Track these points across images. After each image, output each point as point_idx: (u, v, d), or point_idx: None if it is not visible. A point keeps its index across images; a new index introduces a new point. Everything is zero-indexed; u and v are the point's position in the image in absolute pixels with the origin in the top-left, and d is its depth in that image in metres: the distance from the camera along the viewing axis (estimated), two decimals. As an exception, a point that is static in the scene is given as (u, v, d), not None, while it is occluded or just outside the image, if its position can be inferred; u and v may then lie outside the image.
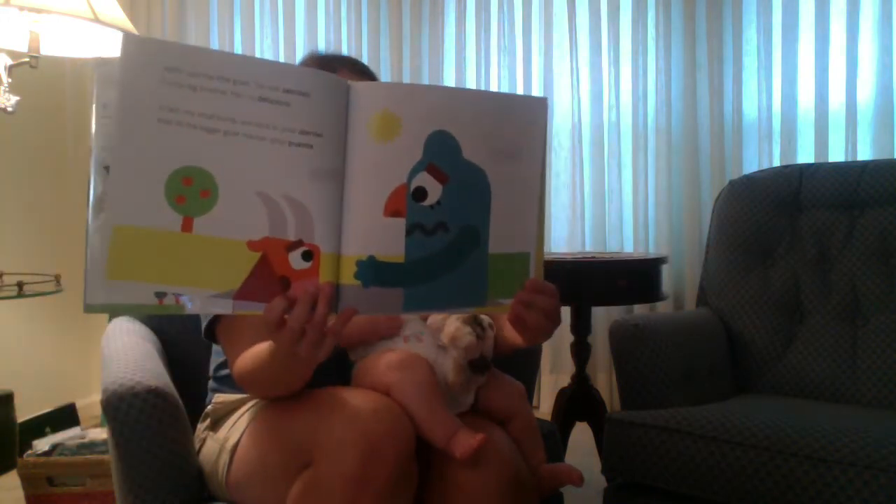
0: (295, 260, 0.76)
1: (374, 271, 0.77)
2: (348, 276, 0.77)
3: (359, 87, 0.77)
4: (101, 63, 0.71)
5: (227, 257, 0.73)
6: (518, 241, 0.86)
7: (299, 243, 0.75)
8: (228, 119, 0.72)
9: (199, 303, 0.73)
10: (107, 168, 0.70)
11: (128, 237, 0.70)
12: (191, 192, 0.72)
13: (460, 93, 0.83)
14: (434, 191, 0.79)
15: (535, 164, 0.86)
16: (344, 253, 0.77)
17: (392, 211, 0.77)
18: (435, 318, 1.06)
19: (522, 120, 0.85)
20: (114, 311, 0.71)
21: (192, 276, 0.72)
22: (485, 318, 1.03)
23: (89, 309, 0.70)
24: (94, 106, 0.71)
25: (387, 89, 0.81)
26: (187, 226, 0.72)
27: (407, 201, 0.78)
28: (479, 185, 0.82)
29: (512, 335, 1.00)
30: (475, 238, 0.83)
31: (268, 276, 0.75)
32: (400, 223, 0.78)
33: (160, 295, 0.72)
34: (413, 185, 0.78)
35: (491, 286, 0.85)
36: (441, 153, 0.79)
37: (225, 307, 0.74)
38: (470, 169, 0.81)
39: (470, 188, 0.82)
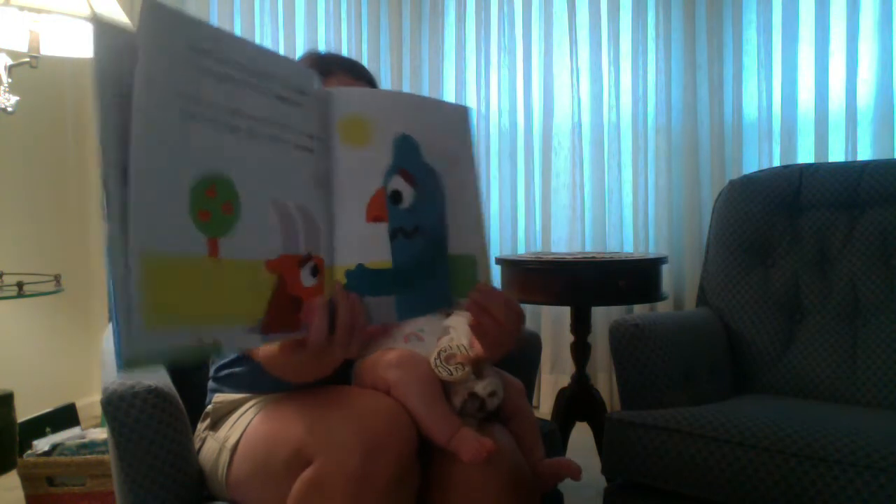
0: (305, 277, 0.71)
1: (363, 280, 0.76)
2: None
3: (332, 91, 0.75)
4: (106, 33, 0.56)
5: (250, 283, 0.65)
6: (465, 244, 0.86)
7: (308, 258, 0.72)
8: (251, 117, 0.64)
9: (234, 341, 0.64)
10: (124, 171, 0.56)
11: (161, 271, 0.57)
12: (214, 205, 0.61)
13: (408, 96, 0.82)
14: (408, 193, 0.78)
15: (470, 169, 0.86)
16: (334, 263, 0.75)
17: (374, 216, 0.76)
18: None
19: (455, 126, 0.85)
20: (154, 363, 0.60)
21: (222, 311, 0.62)
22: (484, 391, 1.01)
23: (129, 365, 0.56)
24: (98, 88, 0.55)
25: (352, 94, 0.79)
26: (213, 249, 0.61)
27: (387, 205, 0.76)
28: (439, 188, 0.82)
29: (477, 347, 1.00)
30: (443, 239, 0.82)
31: (286, 301, 0.69)
32: (383, 228, 0.76)
33: (197, 338, 0.61)
34: (389, 189, 0.76)
35: (451, 287, 0.84)
36: (408, 156, 0.78)
37: (256, 342, 0.67)
38: (430, 172, 0.81)
39: (433, 191, 0.81)
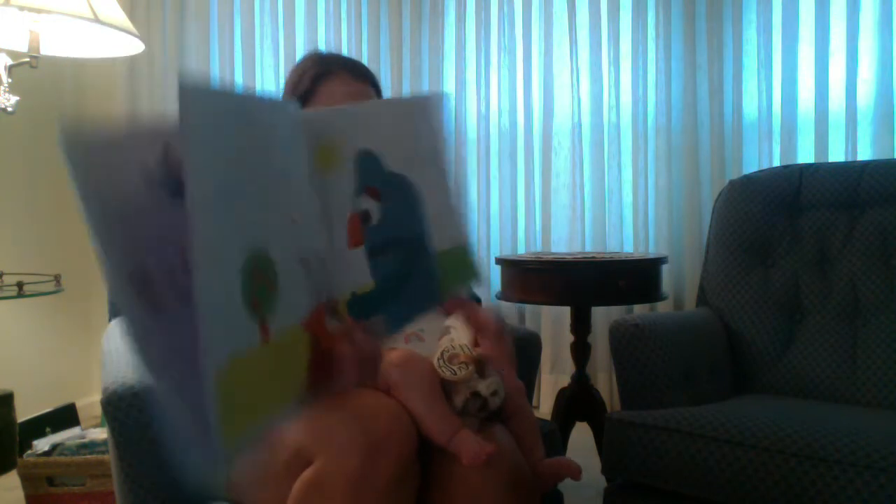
0: (330, 324, 0.68)
1: (357, 308, 0.75)
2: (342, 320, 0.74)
3: (304, 117, 0.72)
4: (71, 135, 0.49)
5: (293, 351, 0.60)
6: (451, 237, 0.86)
7: (329, 304, 0.68)
8: (268, 174, 0.59)
9: (291, 415, 0.60)
10: (138, 285, 0.48)
11: (232, 381, 0.49)
12: (260, 286, 0.55)
13: (366, 106, 0.82)
14: (375, 210, 0.77)
15: (444, 158, 0.86)
16: (338, 298, 0.74)
17: (354, 242, 0.74)
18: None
19: (425, 118, 0.84)
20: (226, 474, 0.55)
21: (279, 393, 0.57)
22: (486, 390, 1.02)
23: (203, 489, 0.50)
24: (88, 199, 0.49)
25: (318, 117, 0.75)
26: (265, 333, 0.55)
27: (361, 228, 0.75)
28: (407, 192, 0.81)
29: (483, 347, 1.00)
30: (420, 242, 0.82)
31: (321, 356, 0.65)
32: (361, 252, 0.75)
33: (263, 432, 0.54)
34: (360, 210, 0.75)
35: (442, 283, 0.85)
36: (369, 171, 0.77)
37: (307, 404, 0.63)
38: (394, 179, 0.80)
39: (401, 197, 0.81)
